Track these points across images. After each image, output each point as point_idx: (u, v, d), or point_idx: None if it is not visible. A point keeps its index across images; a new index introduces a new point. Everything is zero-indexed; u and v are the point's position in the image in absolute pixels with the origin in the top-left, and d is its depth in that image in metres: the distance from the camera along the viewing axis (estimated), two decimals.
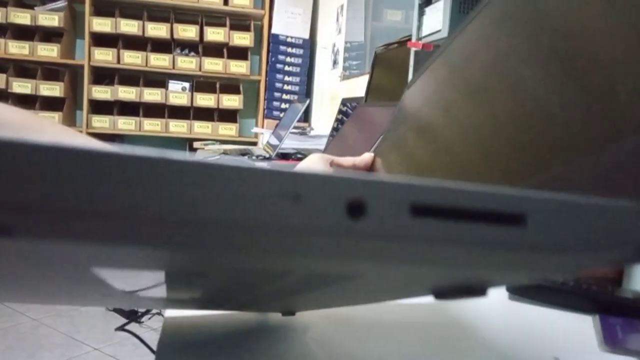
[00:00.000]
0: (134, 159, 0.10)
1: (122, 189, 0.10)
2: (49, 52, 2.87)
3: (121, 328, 1.27)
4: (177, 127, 3.04)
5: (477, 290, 0.17)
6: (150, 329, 1.96)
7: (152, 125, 3.00)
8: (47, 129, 0.48)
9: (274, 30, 3.10)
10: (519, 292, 0.47)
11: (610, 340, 0.38)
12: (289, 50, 3.11)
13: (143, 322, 1.41)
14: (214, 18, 3.13)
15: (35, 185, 0.09)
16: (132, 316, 1.33)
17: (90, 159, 0.09)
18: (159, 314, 1.53)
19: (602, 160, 0.16)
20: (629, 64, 0.16)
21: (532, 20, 0.22)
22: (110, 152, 0.10)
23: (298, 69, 3.13)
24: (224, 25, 3.06)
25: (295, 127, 1.75)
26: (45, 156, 0.09)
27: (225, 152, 1.80)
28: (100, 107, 3.00)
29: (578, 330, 0.41)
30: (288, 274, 0.15)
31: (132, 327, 1.31)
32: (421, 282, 0.17)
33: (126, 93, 2.97)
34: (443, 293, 0.18)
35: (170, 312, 0.40)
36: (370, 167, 0.61)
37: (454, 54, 0.30)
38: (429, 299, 0.46)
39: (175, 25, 2.97)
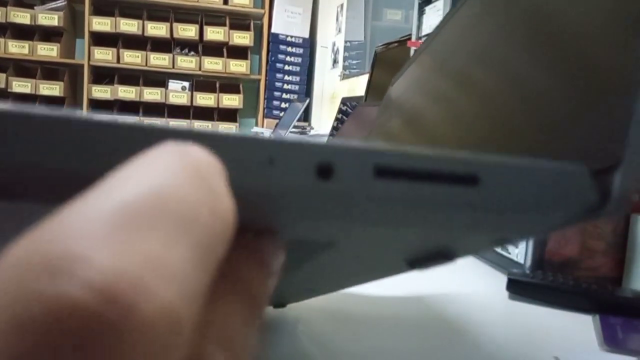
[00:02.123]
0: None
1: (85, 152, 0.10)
2: (48, 51, 2.87)
3: None
4: None
5: (446, 255, 0.18)
6: None
7: None
8: None
9: (273, 30, 3.10)
10: (519, 292, 0.47)
11: (610, 340, 0.38)
12: (289, 49, 3.11)
13: None
14: (213, 17, 3.13)
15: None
16: None
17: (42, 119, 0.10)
18: None
19: (560, 130, 0.17)
20: (593, 44, 0.17)
21: (511, 8, 0.23)
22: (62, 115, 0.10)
23: (298, 69, 3.13)
24: (223, 24, 3.06)
25: (295, 127, 1.75)
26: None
27: None
28: (100, 107, 3.00)
29: (578, 330, 0.41)
30: None
31: None
32: (393, 251, 0.18)
33: (126, 92, 2.97)
34: (415, 262, 0.19)
35: None
36: None
37: (438, 45, 0.31)
38: (427, 298, 0.46)
39: (175, 25, 2.97)
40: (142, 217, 0.07)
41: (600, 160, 0.14)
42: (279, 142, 0.12)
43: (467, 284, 0.50)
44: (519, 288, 0.47)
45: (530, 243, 0.50)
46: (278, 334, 0.37)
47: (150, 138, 0.10)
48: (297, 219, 0.13)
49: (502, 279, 0.49)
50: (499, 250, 0.54)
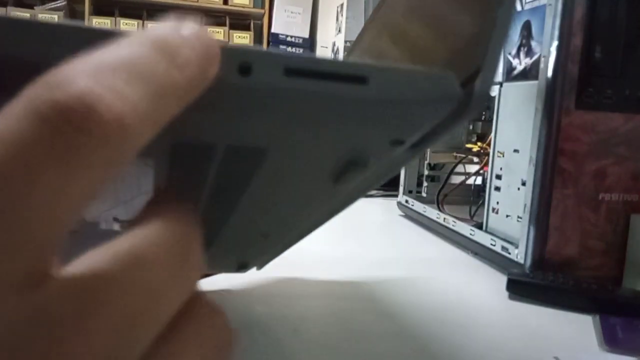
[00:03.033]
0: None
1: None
2: None
3: None
4: None
5: (359, 162, 0.21)
6: None
7: None
8: None
9: (273, 30, 3.10)
10: (519, 292, 0.47)
11: (610, 340, 0.38)
12: (289, 49, 3.11)
13: None
14: (213, 17, 3.13)
15: None
16: None
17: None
18: None
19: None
20: None
21: None
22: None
23: None
24: (223, 24, 3.06)
25: None
26: None
27: None
28: None
29: (578, 330, 0.41)
30: (208, 152, 0.19)
31: None
32: (317, 168, 0.22)
33: None
34: (337, 176, 0.22)
35: None
36: None
37: (381, 14, 0.36)
38: (427, 298, 0.46)
39: None
40: (113, 69, 0.11)
41: (467, 69, 0.18)
42: None
43: (467, 284, 0.50)
44: (519, 288, 0.47)
45: (531, 243, 0.50)
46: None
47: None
48: (226, 114, 0.16)
49: (502, 279, 0.49)
50: (498, 250, 0.54)
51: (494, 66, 0.18)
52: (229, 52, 0.14)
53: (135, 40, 0.12)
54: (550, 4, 0.48)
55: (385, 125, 0.18)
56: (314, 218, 0.31)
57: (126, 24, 2.91)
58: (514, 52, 0.54)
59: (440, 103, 0.18)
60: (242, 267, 0.41)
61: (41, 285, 0.10)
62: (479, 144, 0.67)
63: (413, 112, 0.18)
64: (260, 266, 0.43)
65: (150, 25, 3.06)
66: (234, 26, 3.07)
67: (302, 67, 0.16)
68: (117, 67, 0.11)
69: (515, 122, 0.54)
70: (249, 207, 0.26)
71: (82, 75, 0.11)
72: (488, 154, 0.60)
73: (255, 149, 0.19)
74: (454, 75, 0.18)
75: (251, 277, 0.45)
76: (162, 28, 0.13)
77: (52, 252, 0.11)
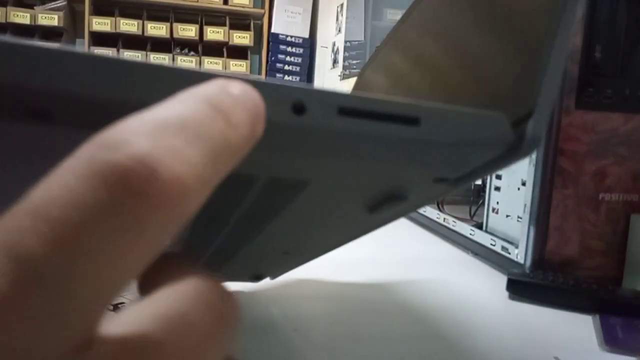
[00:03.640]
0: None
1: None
2: None
3: None
4: None
5: (399, 196, 0.21)
6: None
7: None
8: None
9: (273, 30, 3.10)
10: (519, 292, 0.47)
11: (610, 340, 0.38)
12: (289, 49, 3.11)
13: None
14: (213, 17, 3.13)
15: (71, 76, 0.12)
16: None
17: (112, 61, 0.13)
18: None
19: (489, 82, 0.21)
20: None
21: None
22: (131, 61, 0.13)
23: (298, 69, 3.13)
24: (223, 24, 3.06)
25: None
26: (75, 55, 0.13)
27: None
28: None
29: (578, 330, 0.41)
30: (250, 181, 0.18)
31: None
32: (356, 196, 0.21)
33: None
34: (374, 206, 0.22)
35: None
36: None
37: (402, 33, 0.35)
38: (427, 298, 0.46)
39: (175, 25, 2.97)
40: (172, 128, 0.11)
41: (518, 110, 0.18)
42: (263, 83, 0.14)
43: (467, 284, 0.50)
44: (519, 288, 0.47)
45: (531, 243, 0.50)
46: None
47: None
48: (276, 151, 0.16)
49: (502, 279, 0.49)
50: (498, 250, 0.54)
51: (548, 108, 0.17)
52: (283, 91, 0.14)
53: (189, 97, 0.12)
54: None
55: (432, 164, 0.18)
56: (340, 240, 0.31)
57: (126, 24, 2.91)
58: None
59: (490, 145, 0.17)
60: (256, 278, 0.41)
61: (87, 351, 0.10)
62: None
63: (462, 153, 0.17)
64: (274, 276, 0.42)
65: (151, 25, 3.07)
66: (234, 26, 3.07)
67: (355, 107, 0.15)
68: (175, 126, 0.11)
69: None
70: (277, 230, 0.26)
71: (140, 134, 0.10)
72: None
73: (297, 181, 0.19)
74: (506, 117, 0.17)
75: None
76: (211, 86, 0.12)
77: (100, 318, 0.10)
